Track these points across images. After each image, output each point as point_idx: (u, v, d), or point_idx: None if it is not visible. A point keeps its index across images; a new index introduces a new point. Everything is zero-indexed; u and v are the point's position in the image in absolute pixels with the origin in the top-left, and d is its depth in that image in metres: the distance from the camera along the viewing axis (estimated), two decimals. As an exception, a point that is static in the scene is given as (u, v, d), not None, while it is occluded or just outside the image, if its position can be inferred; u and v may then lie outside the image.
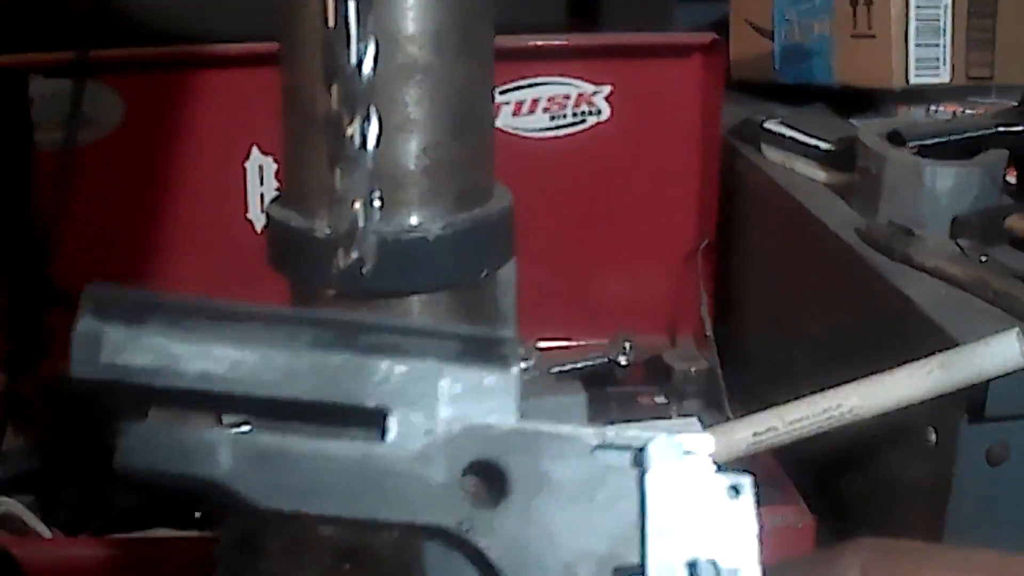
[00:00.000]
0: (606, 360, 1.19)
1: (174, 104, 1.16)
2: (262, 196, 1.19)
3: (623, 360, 1.19)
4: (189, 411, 0.30)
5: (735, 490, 0.30)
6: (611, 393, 1.17)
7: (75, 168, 1.12)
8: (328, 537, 0.50)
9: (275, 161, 1.17)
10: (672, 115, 1.25)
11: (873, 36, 1.26)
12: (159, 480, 0.29)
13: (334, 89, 0.49)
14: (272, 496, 0.29)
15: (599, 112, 1.24)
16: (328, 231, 0.53)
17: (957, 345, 0.77)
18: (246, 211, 1.20)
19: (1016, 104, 1.08)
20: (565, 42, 1.23)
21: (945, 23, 1.25)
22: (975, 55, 1.27)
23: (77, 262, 1.15)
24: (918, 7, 1.24)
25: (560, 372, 1.17)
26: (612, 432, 0.30)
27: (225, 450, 0.29)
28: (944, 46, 1.25)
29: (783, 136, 1.17)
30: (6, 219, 1.15)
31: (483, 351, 0.30)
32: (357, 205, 0.49)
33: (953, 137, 1.01)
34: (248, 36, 1.08)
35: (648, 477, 0.29)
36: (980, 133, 1.02)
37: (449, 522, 0.29)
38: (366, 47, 0.49)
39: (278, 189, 1.18)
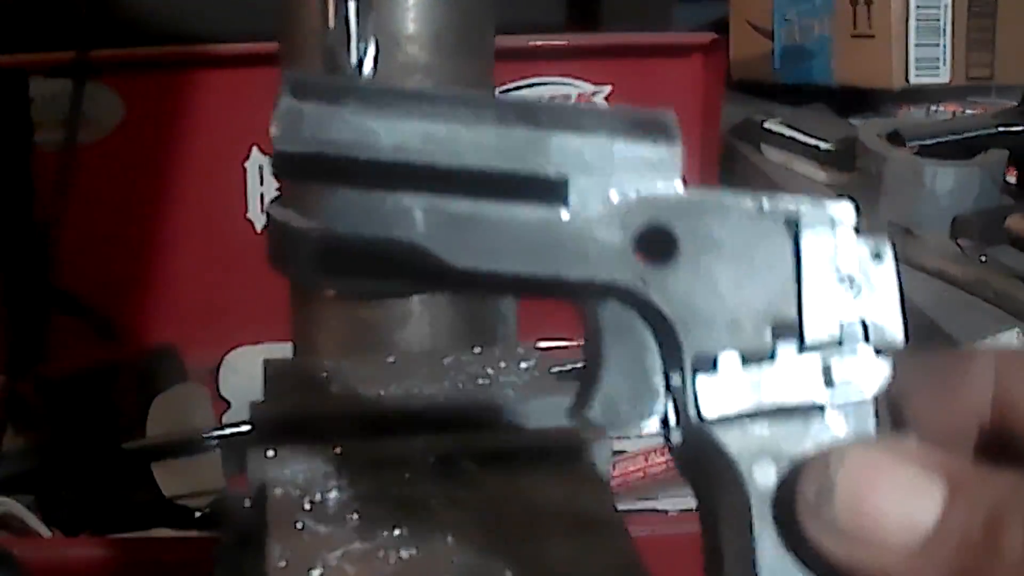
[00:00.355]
0: (606, 360, 1.19)
1: (174, 104, 1.16)
2: (262, 196, 1.19)
3: (623, 360, 1.19)
4: (382, 184, 0.31)
5: (878, 255, 0.32)
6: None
7: (75, 168, 1.12)
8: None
9: (275, 161, 1.17)
10: (672, 115, 1.25)
11: (873, 36, 1.26)
12: (361, 243, 0.31)
13: (334, 89, 0.49)
14: (464, 255, 0.31)
15: (599, 112, 1.24)
16: (328, 231, 0.53)
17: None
18: (246, 211, 1.20)
19: (1016, 104, 1.08)
20: (565, 42, 1.23)
21: (945, 23, 1.25)
22: (975, 55, 1.27)
23: (77, 262, 1.15)
24: (918, 7, 1.24)
25: (560, 372, 1.17)
26: (767, 200, 0.32)
27: (420, 213, 0.31)
28: (944, 46, 1.25)
29: (783, 136, 1.17)
30: (6, 219, 1.15)
31: (650, 126, 0.32)
32: (357, 205, 0.48)
33: (953, 137, 1.01)
34: (248, 36, 1.08)
35: (802, 241, 0.32)
36: (980, 133, 1.02)
37: (627, 279, 0.31)
38: (366, 47, 0.49)
39: (278, 189, 1.18)
